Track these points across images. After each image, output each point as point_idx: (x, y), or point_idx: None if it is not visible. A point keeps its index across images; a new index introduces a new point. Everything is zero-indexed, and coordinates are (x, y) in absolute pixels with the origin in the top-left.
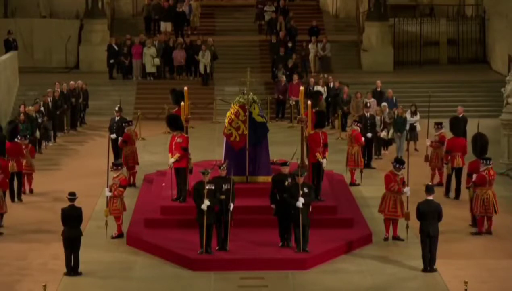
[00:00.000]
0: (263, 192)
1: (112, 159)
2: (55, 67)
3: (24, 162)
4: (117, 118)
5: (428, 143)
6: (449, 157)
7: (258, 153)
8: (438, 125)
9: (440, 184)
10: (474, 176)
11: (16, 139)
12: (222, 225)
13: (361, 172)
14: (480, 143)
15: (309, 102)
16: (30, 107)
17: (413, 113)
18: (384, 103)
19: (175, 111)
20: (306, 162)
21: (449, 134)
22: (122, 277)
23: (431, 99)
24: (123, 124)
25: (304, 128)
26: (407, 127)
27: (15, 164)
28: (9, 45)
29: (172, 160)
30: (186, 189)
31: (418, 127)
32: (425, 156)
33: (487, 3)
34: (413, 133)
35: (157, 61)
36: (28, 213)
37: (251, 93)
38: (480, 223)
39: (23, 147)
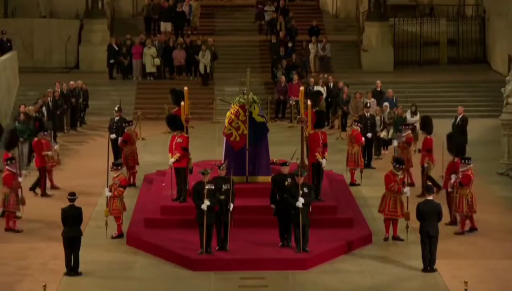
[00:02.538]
0: (263, 192)
1: (112, 159)
2: (55, 67)
3: (48, 157)
4: (116, 118)
5: (395, 144)
6: (426, 156)
7: (258, 153)
8: (405, 126)
9: (411, 184)
10: (454, 176)
11: (39, 136)
12: (222, 225)
13: (361, 172)
14: (458, 143)
15: (309, 102)
16: (30, 107)
17: (413, 113)
18: (386, 103)
19: (175, 111)
20: (306, 162)
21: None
22: (122, 277)
23: (432, 99)
24: (123, 124)
25: (304, 128)
26: None
27: (36, 160)
28: (3, 46)
29: (172, 160)
30: (186, 189)
31: (418, 127)
32: (393, 157)
33: (487, 3)
34: (413, 134)
35: (157, 61)
36: (28, 213)
37: (251, 93)
38: (463, 223)
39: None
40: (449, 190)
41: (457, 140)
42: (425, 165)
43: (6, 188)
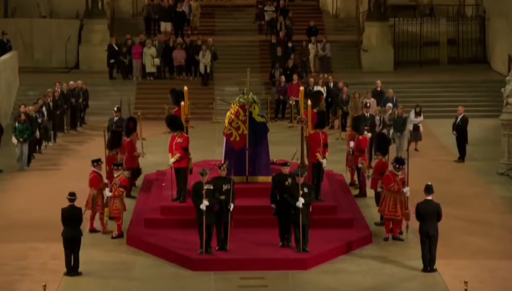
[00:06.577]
0: (263, 192)
1: None
2: (55, 67)
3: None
4: (115, 118)
5: (352, 145)
6: (359, 156)
7: (258, 153)
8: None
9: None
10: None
11: (131, 136)
12: (222, 225)
13: None
14: (385, 142)
15: (309, 102)
16: (30, 107)
17: (417, 114)
18: (390, 104)
19: (175, 111)
20: (306, 162)
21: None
22: (122, 277)
23: (432, 99)
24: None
25: (304, 128)
26: (411, 127)
27: (126, 159)
28: (3, 46)
29: (172, 160)
30: (186, 189)
31: (421, 128)
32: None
33: (487, 3)
34: (416, 134)
35: (157, 61)
36: (28, 213)
37: (251, 93)
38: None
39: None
40: (378, 189)
41: (383, 140)
42: (359, 165)
43: (93, 190)
